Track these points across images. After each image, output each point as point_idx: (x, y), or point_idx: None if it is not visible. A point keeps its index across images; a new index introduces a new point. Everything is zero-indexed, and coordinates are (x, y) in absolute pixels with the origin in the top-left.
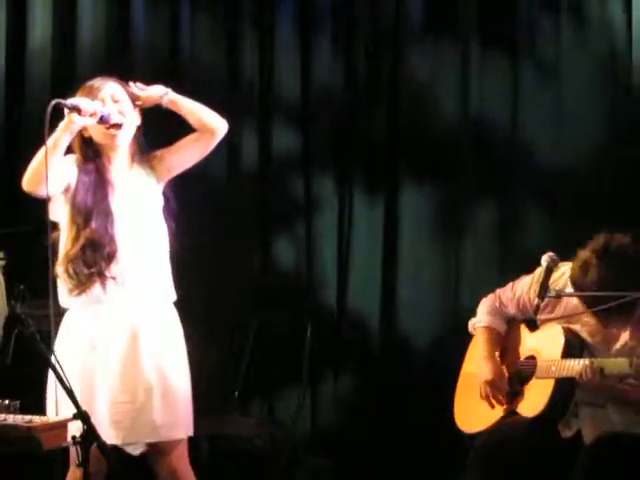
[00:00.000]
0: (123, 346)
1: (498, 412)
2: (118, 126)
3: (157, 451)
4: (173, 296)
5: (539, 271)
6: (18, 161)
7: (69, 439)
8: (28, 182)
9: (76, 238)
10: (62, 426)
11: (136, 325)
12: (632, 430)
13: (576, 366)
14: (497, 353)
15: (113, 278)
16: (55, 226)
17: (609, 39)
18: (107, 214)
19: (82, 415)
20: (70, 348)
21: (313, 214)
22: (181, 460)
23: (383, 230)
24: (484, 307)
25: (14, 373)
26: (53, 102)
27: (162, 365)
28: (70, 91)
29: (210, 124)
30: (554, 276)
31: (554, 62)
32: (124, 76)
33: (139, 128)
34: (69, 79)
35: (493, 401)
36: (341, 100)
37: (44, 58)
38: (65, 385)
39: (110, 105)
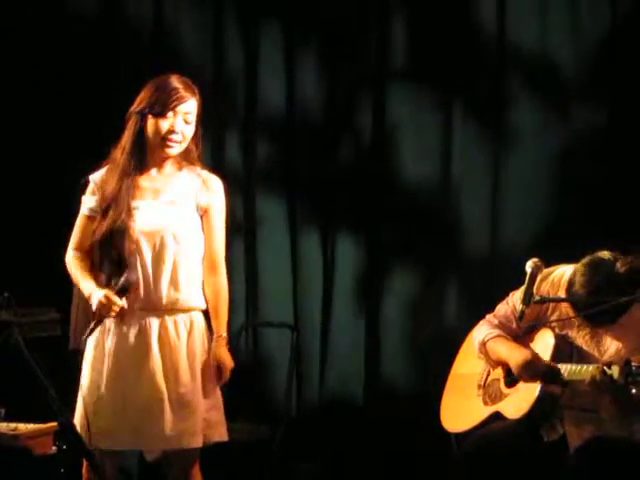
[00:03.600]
0: (138, 354)
1: (483, 412)
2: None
3: (171, 459)
4: (199, 303)
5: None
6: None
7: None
8: None
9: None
10: (48, 433)
11: (151, 332)
12: (618, 434)
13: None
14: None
15: (126, 285)
16: None
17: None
18: (127, 212)
19: (67, 423)
20: (91, 357)
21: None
22: (192, 470)
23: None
24: (485, 327)
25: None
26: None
27: (176, 374)
28: None
29: None
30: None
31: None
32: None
33: (194, 138)
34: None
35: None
36: (321, 125)
37: None
38: (49, 393)
39: (179, 123)
